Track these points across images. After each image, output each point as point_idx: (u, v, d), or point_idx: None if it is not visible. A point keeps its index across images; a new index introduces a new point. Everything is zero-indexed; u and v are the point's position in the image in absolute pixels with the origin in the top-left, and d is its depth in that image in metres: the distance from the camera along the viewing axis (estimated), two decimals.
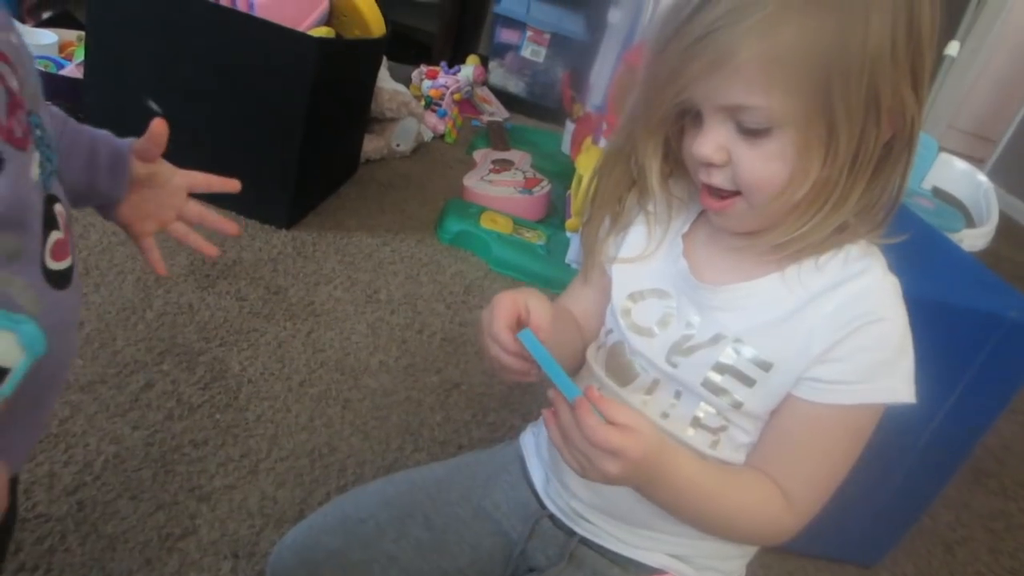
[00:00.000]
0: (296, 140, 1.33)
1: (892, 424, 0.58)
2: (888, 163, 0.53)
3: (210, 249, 0.66)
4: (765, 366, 0.55)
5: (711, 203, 0.55)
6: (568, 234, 1.50)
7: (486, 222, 1.53)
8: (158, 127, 0.59)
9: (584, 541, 0.64)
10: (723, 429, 0.58)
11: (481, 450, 0.74)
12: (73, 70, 1.60)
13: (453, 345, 1.20)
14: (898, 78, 0.49)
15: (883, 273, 0.56)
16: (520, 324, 0.54)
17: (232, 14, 1.28)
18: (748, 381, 0.55)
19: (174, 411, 0.93)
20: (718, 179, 0.53)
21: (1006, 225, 2.64)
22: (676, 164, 0.60)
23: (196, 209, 0.65)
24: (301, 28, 1.34)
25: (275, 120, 1.32)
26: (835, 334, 0.53)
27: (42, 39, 1.65)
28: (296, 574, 0.62)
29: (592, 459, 0.48)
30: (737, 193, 0.53)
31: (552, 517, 0.66)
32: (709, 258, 0.59)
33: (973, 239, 2.01)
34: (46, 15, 1.88)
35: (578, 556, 0.64)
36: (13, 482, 0.47)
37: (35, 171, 0.42)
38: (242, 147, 1.33)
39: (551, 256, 1.49)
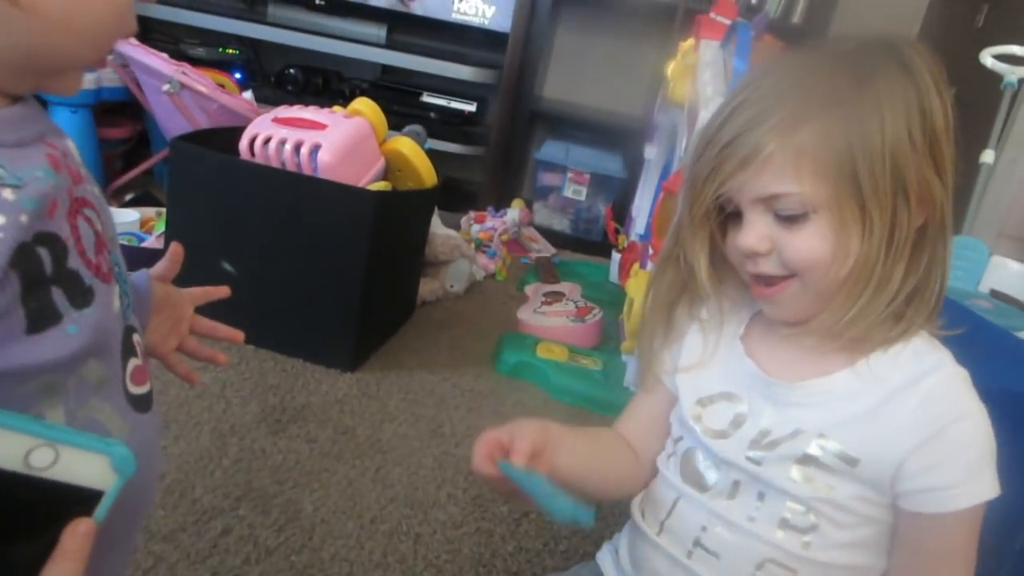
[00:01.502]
0: (357, 288, 1.41)
1: (984, 527, 0.57)
2: (925, 247, 0.56)
3: (221, 357, 0.71)
4: (852, 462, 0.55)
5: (762, 291, 0.58)
6: (624, 357, 1.51)
7: (542, 352, 1.56)
8: (176, 249, 0.68)
9: None
10: (814, 528, 0.57)
11: (558, 572, 0.74)
12: (153, 242, 1.75)
13: None
14: (920, 163, 0.53)
15: (954, 366, 0.57)
16: (504, 452, 0.57)
17: (298, 177, 1.40)
18: (835, 474, 0.56)
19: (251, 555, 0.94)
20: (766, 267, 0.57)
21: None
22: (723, 266, 0.63)
23: (206, 323, 0.70)
24: (360, 184, 1.46)
25: (338, 270, 1.41)
26: (922, 431, 0.54)
27: (126, 218, 1.82)
28: None
29: None
30: (786, 278, 0.56)
31: None
32: (772, 355, 0.61)
33: None
34: (128, 197, 2.08)
35: None
36: None
37: (116, 303, 0.47)
38: (307, 297, 1.42)
39: (608, 381, 1.50)
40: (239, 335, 0.73)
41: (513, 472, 0.55)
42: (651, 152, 2.08)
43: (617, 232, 2.13)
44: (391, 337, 1.61)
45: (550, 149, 2.75)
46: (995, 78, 1.99)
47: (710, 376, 0.64)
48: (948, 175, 0.55)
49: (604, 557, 0.71)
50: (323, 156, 1.41)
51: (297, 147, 1.42)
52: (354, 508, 1.06)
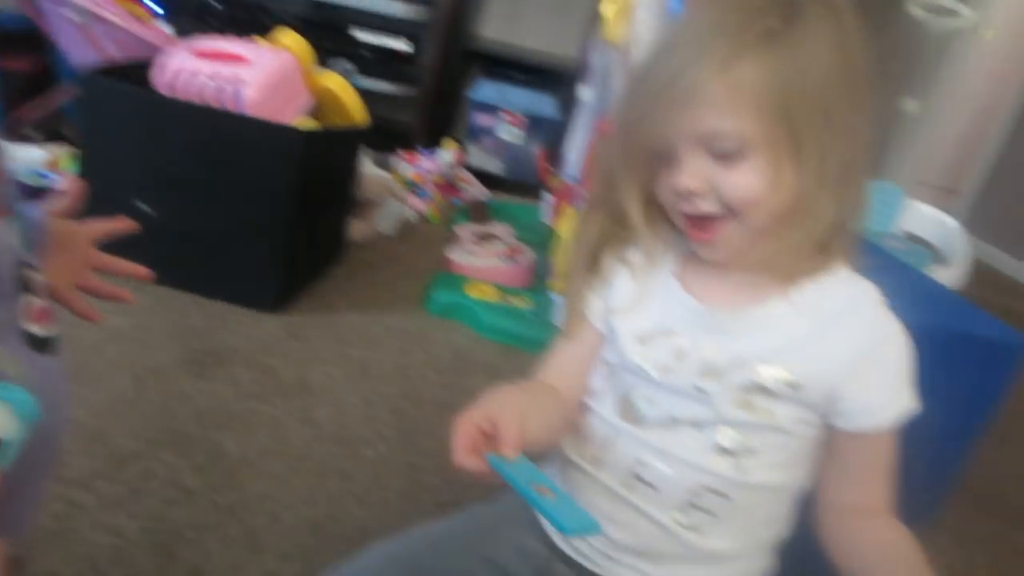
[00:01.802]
0: (284, 227, 1.37)
1: None
2: (849, 181, 0.57)
3: (125, 294, 0.67)
4: (795, 387, 0.58)
5: (698, 235, 0.59)
6: (553, 296, 1.53)
7: (473, 291, 1.56)
8: (77, 184, 0.64)
9: None
10: (749, 453, 0.59)
11: (484, 503, 0.74)
12: (64, 182, 1.66)
13: (448, 410, 1.19)
14: (844, 99, 0.55)
15: (877, 293, 0.60)
16: (487, 438, 0.53)
17: (220, 114, 1.34)
18: (778, 399, 0.58)
19: (173, 498, 0.93)
20: (704, 206, 0.57)
21: (978, 269, 2.73)
22: (653, 209, 0.63)
23: (108, 259, 0.66)
24: (286, 121, 1.41)
25: (263, 209, 1.36)
26: (856, 355, 0.58)
27: (30, 155, 1.72)
28: None
29: None
30: (722, 218, 0.57)
31: (566, 559, 0.65)
32: (708, 288, 0.62)
33: (944, 277, 2.06)
34: (35, 134, 1.96)
35: None
36: (18, 564, 0.47)
37: (13, 239, 0.44)
38: (232, 237, 1.37)
39: (539, 319, 1.52)
40: (144, 271, 0.69)
41: (509, 474, 0.49)
42: (586, 93, 2.06)
43: (550, 174, 2.12)
44: (319, 279, 1.59)
45: (484, 90, 2.70)
46: (921, 27, 2.04)
47: (646, 314, 0.64)
48: (867, 111, 0.57)
49: None
50: (248, 91, 1.35)
51: (220, 82, 1.36)
52: (280, 448, 1.05)
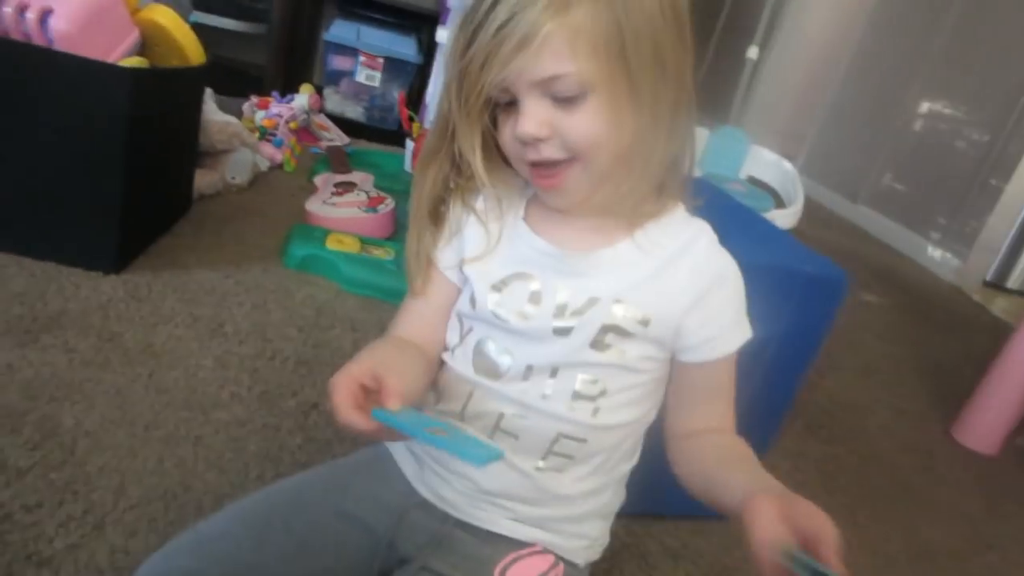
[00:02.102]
0: (117, 179, 1.26)
1: None
2: (679, 120, 0.59)
3: None
4: (644, 322, 0.60)
5: (543, 182, 0.59)
6: None
7: (332, 244, 1.51)
8: None
9: (457, 524, 0.65)
10: (602, 395, 0.61)
11: (337, 458, 0.73)
12: None
13: (308, 367, 1.17)
14: (672, 39, 0.56)
15: (712, 233, 0.63)
16: (368, 393, 0.52)
17: (28, 49, 1.19)
18: (630, 337, 0.60)
19: (0, 480, 0.85)
20: (548, 151, 0.57)
21: (817, 211, 2.96)
22: (494, 156, 0.62)
23: None
24: (110, 59, 1.28)
25: (91, 160, 1.24)
26: (697, 290, 0.60)
27: None
28: None
29: None
30: (567, 163, 0.57)
31: (422, 505, 0.66)
32: (559, 233, 0.63)
33: (782, 218, 2.22)
34: None
35: (449, 539, 0.65)
36: None
37: None
38: (57, 190, 1.24)
39: (402, 270, 1.49)
40: None
41: (399, 423, 0.49)
42: (444, 35, 2.02)
43: (411, 120, 2.07)
44: (163, 235, 1.48)
45: (340, 30, 2.58)
46: None
47: (499, 260, 0.64)
48: (692, 53, 0.59)
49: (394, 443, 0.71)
50: (57, 23, 1.21)
51: (22, 10, 1.20)
52: (124, 417, 0.98)
